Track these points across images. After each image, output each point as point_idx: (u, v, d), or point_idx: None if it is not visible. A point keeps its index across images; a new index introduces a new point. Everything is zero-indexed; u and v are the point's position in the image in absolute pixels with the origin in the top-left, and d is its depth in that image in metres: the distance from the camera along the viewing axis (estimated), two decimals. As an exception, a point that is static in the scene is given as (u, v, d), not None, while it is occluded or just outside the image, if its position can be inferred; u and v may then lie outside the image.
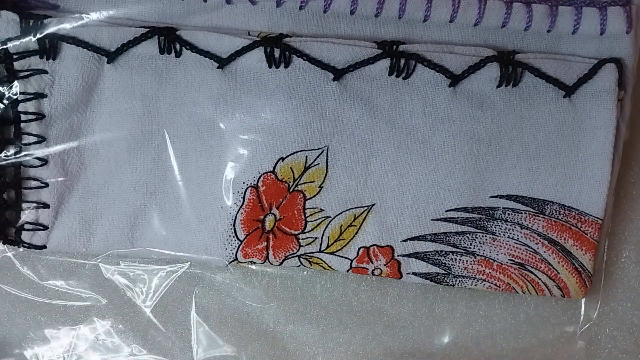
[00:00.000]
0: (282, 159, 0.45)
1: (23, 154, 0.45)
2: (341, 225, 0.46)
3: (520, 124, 0.45)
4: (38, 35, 0.43)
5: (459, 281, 0.47)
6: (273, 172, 0.45)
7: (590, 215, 0.46)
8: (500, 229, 0.47)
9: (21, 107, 0.44)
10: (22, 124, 0.44)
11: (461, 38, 0.45)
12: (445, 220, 0.46)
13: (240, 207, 0.46)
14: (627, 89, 0.46)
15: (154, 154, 0.45)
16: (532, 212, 0.46)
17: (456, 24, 0.45)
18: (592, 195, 0.46)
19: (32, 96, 0.44)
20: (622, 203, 0.50)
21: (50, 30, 0.43)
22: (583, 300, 0.50)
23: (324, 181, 0.46)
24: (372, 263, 0.47)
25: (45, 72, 0.44)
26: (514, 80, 0.44)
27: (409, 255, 0.47)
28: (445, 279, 0.47)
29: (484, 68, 0.44)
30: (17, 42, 0.43)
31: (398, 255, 0.47)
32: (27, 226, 0.46)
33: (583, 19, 0.45)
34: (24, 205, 0.45)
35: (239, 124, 0.45)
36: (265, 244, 0.47)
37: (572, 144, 0.45)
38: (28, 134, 0.44)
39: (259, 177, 0.45)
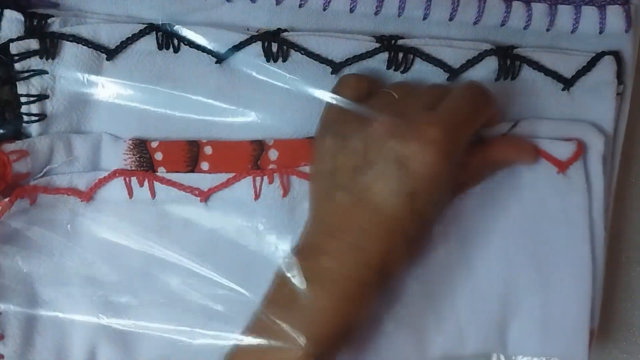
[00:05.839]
0: (280, 153, 0.45)
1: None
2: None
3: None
4: (41, 35, 0.43)
5: None
6: (270, 166, 0.45)
7: None
8: None
9: (24, 109, 0.43)
10: (23, 124, 0.44)
11: (460, 36, 0.45)
12: None
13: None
14: (627, 87, 0.46)
15: (152, 149, 0.45)
16: None
17: (456, 22, 0.45)
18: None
19: (35, 98, 0.43)
20: (622, 203, 0.50)
21: (54, 29, 0.43)
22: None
23: (321, 175, 0.45)
24: None
25: (46, 72, 0.43)
26: (512, 73, 0.45)
27: None
28: None
29: (482, 62, 0.44)
30: (19, 43, 0.42)
31: None
32: None
33: (582, 17, 0.45)
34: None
35: (238, 118, 0.45)
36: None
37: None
38: (29, 135, 0.44)
39: (257, 171, 0.45)
